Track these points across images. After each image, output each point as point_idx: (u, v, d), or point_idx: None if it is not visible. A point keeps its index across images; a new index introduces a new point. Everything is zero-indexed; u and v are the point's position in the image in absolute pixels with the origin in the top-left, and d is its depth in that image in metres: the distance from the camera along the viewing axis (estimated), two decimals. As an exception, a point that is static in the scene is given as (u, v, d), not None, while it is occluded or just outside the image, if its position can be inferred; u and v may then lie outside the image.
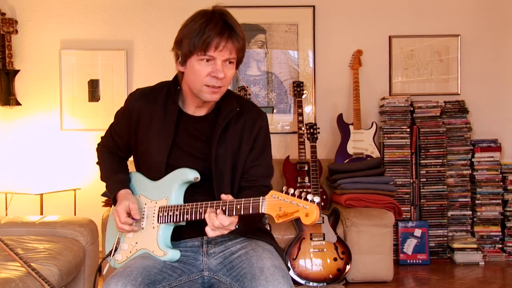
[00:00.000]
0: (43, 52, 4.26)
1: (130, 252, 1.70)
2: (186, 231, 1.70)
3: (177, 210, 1.62)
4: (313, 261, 3.34)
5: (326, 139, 4.29)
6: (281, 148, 4.28)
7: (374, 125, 4.14)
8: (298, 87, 4.10)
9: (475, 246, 3.95)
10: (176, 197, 1.66)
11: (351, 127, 4.12)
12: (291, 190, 1.38)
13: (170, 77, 1.80)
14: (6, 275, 1.96)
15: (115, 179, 1.81)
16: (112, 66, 4.27)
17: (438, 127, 4.08)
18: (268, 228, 1.94)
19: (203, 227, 1.53)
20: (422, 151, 4.08)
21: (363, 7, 4.36)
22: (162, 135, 1.70)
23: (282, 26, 4.33)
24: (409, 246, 3.93)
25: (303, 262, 3.33)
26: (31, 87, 4.24)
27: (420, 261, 3.92)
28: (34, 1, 4.26)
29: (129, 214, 1.68)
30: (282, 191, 1.40)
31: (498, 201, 4.09)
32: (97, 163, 1.94)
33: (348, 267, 3.36)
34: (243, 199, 1.47)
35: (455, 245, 3.96)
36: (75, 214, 4.04)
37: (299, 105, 4.06)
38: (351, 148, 4.07)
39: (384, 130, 4.10)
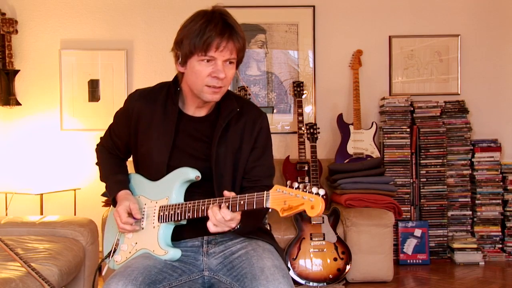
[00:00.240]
0: (43, 52, 4.26)
1: (130, 252, 1.70)
2: (186, 231, 1.70)
3: (178, 208, 1.62)
4: (313, 261, 3.34)
5: (326, 139, 4.29)
6: (281, 148, 4.28)
7: (374, 125, 4.14)
8: (298, 87, 4.10)
9: (475, 246, 3.95)
10: (176, 196, 1.66)
11: (351, 127, 4.12)
12: (295, 184, 1.39)
13: (170, 77, 1.80)
14: (6, 275, 1.96)
15: (114, 180, 1.81)
16: (112, 66, 4.27)
17: (438, 127, 4.08)
18: (268, 228, 1.94)
19: (204, 227, 1.53)
20: (422, 151, 4.08)
21: (363, 7, 4.36)
22: (163, 136, 1.70)
23: (282, 26, 4.33)
24: (409, 246, 3.93)
25: (303, 262, 3.33)
26: (31, 87, 4.24)
27: (420, 261, 3.92)
28: (34, 1, 4.26)
29: (129, 214, 1.69)
30: (286, 186, 1.41)
31: (498, 201, 4.09)
32: (96, 163, 1.94)
33: (348, 267, 3.36)
34: (246, 194, 1.47)
35: (455, 245, 3.96)
36: (75, 214, 4.04)
37: (299, 105, 4.06)
38: (351, 148, 4.07)
39: (384, 130, 4.10)
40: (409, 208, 4.07)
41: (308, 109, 4.33)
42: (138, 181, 1.80)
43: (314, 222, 3.41)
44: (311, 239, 3.38)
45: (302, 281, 3.31)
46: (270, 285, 1.48)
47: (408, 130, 4.08)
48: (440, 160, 4.07)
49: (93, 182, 4.12)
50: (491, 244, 4.09)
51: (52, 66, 4.25)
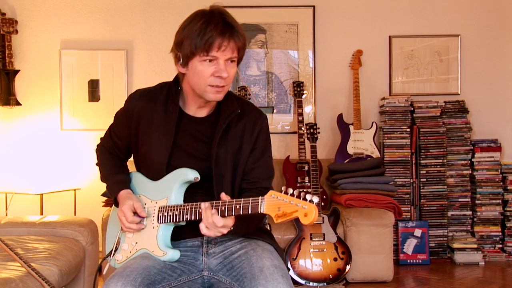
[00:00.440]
0: (43, 52, 4.26)
1: (130, 252, 1.70)
2: (186, 231, 1.70)
3: (176, 210, 1.62)
4: (313, 261, 3.34)
5: (326, 139, 4.29)
6: (281, 148, 4.28)
7: (374, 125, 4.14)
8: (298, 87, 4.10)
9: (475, 246, 3.95)
10: (176, 197, 1.66)
11: (351, 127, 4.12)
12: (290, 190, 1.39)
13: (170, 77, 1.80)
14: (6, 275, 1.96)
15: (115, 180, 1.81)
16: (112, 66, 4.27)
17: (438, 127, 4.08)
18: (268, 228, 1.95)
19: (204, 227, 1.54)
20: (422, 151, 4.08)
21: (363, 7, 4.36)
22: (163, 136, 1.70)
23: (282, 26, 4.33)
24: (409, 246, 3.93)
25: (303, 262, 3.33)
26: (31, 87, 4.25)
27: (420, 261, 3.92)
28: (34, 1, 4.26)
29: (134, 213, 1.69)
30: (281, 191, 1.41)
31: (498, 201, 4.09)
32: (96, 164, 1.94)
33: (348, 267, 3.36)
34: (242, 199, 1.47)
35: (455, 245, 3.96)
36: (75, 214, 4.04)
37: (299, 105, 4.06)
38: (351, 148, 4.07)
39: (384, 130, 4.10)
40: (409, 208, 4.07)
41: (308, 109, 4.33)
42: (139, 180, 1.80)
43: (314, 222, 3.41)
44: (311, 239, 3.38)
45: (302, 281, 3.31)
46: (269, 284, 1.48)
47: (408, 130, 4.08)
48: (440, 160, 4.07)
49: (93, 182, 4.12)
50: (491, 244, 4.09)
51: (52, 66, 4.25)
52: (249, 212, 1.45)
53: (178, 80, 1.75)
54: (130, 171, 1.87)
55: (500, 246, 4.10)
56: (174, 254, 1.63)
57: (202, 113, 1.75)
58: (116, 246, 1.76)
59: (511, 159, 4.25)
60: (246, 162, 1.73)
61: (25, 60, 4.24)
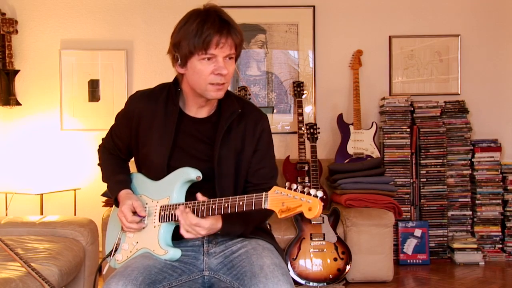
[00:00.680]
0: (43, 52, 4.26)
1: (131, 251, 1.70)
2: (187, 231, 1.71)
3: (178, 209, 1.61)
4: (313, 261, 3.34)
5: (326, 139, 4.29)
6: (281, 148, 4.28)
7: (374, 125, 4.14)
8: (298, 87, 4.10)
9: (475, 246, 3.95)
10: (177, 196, 1.66)
11: (351, 127, 4.12)
12: (294, 186, 1.39)
13: (170, 77, 1.80)
14: (6, 275, 1.96)
15: (115, 180, 1.81)
16: (112, 66, 4.27)
17: (438, 127, 4.08)
18: (268, 228, 1.95)
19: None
20: (422, 151, 4.08)
21: (363, 7, 4.36)
22: (163, 137, 1.70)
23: (282, 26, 4.33)
24: (409, 246, 3.93)
25: (303, 262, 3.33)
26: (31, 87, 4.24)
27: (420, 261, 3.92)
28: (34, 1, 4.26)
29: (134, 213, 1.69)
30: (285, 187, 1.41)
31: (498, 201, 4.09)
32: (98, 164, 1.94)
33: (348, 267, 3.36)
34: (246, 195, 1.47)
35: (455, 245, 3.96)
36: (75, 214, 4.04)
37: (299, 105, 4.06)
38: (351, 148, 4.06)
39: (384, 130, 4.10)
40: (409, 208, 4.07)
41: (308, 109, 4.33)
42: (140, 180, 1.80)
43: (314, 222, 3.41)
44: (311, 239, 3.37)
45: (302, 281, 3.31)
46: (269, 282, 1.49)
47: (408, 130, 4.08)
48: (440, 160, 4.07)
49: (93, 182, 4.12)
50: (491, 244, 4.09)
51: (52, 66, 4.25)
52: (253, 207, 1.45)
53: (177, 81, 1.75)
54: (131, 172, 1.87)
55: (500, 246, 4.10)
56: (175, 253, 1.63)
57: (203, 113, 1.75)
58: (116, 246, 1.76)
59: (511, 159, 4.26)
60: (249, 163, 1.74)
61: (25, 60, 4.24)
